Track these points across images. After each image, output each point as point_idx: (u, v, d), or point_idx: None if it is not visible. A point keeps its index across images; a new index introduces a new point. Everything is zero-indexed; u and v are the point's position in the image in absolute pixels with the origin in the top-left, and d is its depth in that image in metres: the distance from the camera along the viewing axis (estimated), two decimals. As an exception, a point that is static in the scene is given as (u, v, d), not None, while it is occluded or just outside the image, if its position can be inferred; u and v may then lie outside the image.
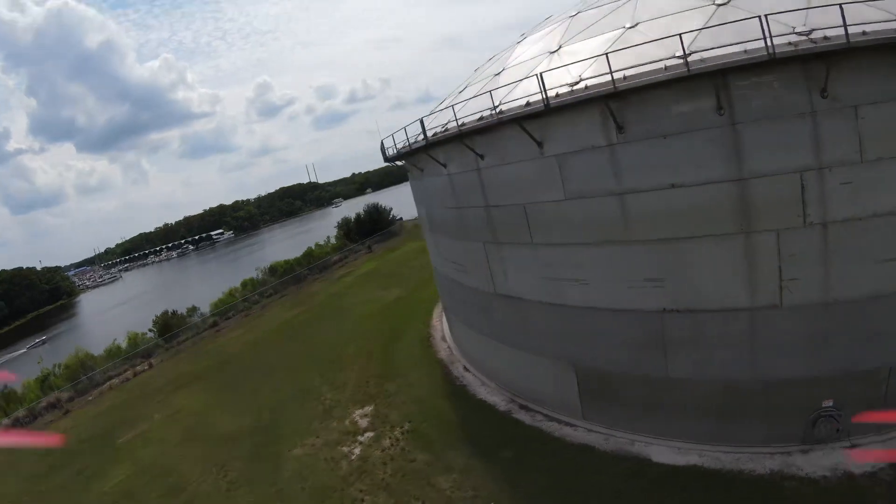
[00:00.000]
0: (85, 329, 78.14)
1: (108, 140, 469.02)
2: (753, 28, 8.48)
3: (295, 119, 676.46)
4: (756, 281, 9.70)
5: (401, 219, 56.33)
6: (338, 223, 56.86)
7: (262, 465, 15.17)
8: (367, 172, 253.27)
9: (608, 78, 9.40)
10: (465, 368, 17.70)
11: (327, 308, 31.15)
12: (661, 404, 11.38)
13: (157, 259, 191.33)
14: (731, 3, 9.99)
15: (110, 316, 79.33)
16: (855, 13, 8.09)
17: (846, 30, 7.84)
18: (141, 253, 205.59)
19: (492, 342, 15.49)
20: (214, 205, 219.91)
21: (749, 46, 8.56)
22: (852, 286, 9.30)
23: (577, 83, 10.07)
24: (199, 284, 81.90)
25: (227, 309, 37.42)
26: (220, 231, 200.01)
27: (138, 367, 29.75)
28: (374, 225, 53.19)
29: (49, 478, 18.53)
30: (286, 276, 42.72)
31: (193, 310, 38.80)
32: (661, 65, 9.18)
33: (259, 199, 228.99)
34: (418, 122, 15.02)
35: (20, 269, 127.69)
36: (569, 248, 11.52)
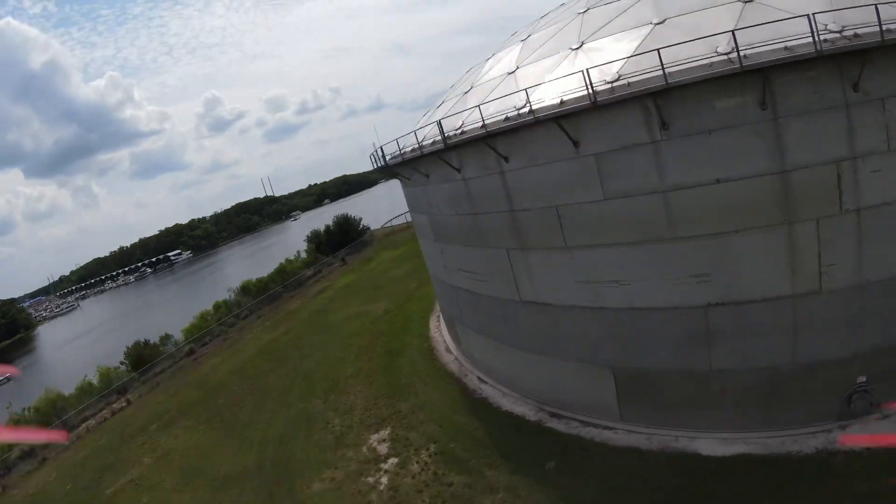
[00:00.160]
0: (48, 364, 72.50)
1: (56, 164, 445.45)
2: (785, 26, 8.76)
3: (246, 133, 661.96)
4: (798, 269, 9.99)
5: (370, 229, 55.28)
6: (307, 236, 55.52)
7: (281, 507, 13.93)
8: (324, 183, 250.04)
9: (651, 75, 9.29)
10: (481, 380, 17.10)
11: (312, 326, 29.69)
12: (703, 397, 11.39)
13: (114, 285, 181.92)
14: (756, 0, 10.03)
15: (73, 348, 74.57)
16: (883, 12, 8.35)
17: (881, 27, 8.24)
18: (97, 279, 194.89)
19: (515, 351, 15.04)
20: (170, 225, 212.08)
21: (789, 44, 8.74)
22: (884, 267, 9.79)
23: (616, 80, 9.84)
24: (161, 311, 78.02)
25: (202, 335, 35.48)
26: (178, 251, 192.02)
27: (115, 405, 27.59)
28: (346, 236, 52.08)
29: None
30: (260, 295, 40.92)
31: (167, 338, 36.58)
32: (703, 62, 9.16)
33: (216, 217, 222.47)
34: (415, 128, 14.55)
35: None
36: (608, 249, 11.29)
